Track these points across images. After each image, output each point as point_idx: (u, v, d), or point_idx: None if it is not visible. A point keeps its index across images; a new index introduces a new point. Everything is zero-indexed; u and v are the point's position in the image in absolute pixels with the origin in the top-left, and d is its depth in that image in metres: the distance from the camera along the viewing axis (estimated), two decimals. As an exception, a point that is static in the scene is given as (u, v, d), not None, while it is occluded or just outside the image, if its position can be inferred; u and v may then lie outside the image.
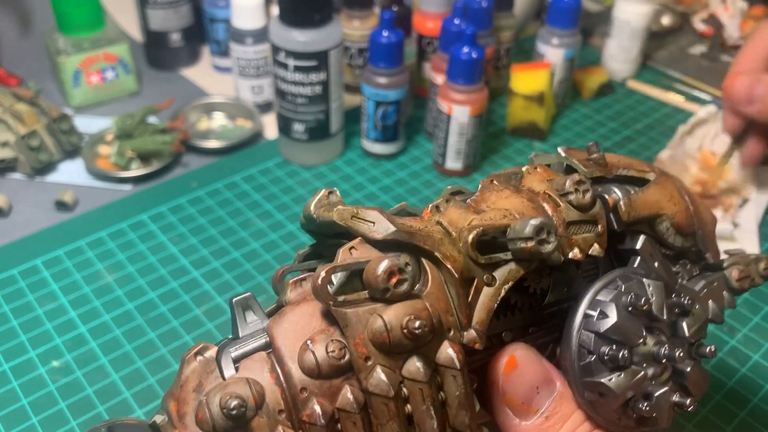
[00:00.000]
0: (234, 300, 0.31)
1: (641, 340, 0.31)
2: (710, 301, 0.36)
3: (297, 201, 0.70)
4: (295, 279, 0.31)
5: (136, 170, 0.72)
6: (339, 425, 0.28)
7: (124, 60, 0.83)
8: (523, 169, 0.34)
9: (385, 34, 0.69)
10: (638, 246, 0.34)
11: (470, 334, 0.29)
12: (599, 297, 0.32)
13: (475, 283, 0.29)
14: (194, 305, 0.59)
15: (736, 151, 0.69)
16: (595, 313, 0.31)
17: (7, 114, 0.70)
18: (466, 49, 0.67)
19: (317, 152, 0.75)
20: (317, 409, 0.28)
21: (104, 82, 0.83)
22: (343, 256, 0.29)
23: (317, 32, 0.67)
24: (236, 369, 0.29)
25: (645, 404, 0.31)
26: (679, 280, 0.36)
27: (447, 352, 0.28)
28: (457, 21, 0.73)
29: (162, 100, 0.82)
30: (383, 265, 0.27)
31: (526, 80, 0.78)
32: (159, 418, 0.31)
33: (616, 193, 0.35)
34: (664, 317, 0.32)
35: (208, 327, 0.57)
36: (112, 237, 0.65)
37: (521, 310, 0.33)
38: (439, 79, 0.74)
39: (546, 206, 0.32)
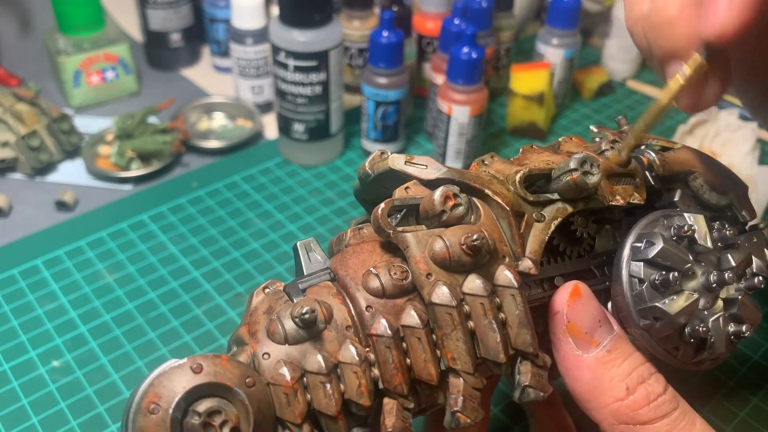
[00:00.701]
0: (298, 243, 0.32)
1: (689, 266, 0.32)
2: (752, 256, 0.36)
3: (297, 201, 0.71)
4: (354, 227, 0.33)
5: (136, 170, 0.72)
6: (404, 342, 0.29)
7: (124, 60, 0.83)
8: (560, 139, 0.36)
9: (385, 34, 0.69)
10: (676, 198, 0.36)
11: (525, 262, 0.30)
12: (644, 231, 0.33)
13: (525, 218, 0.31)
14: (194, 305, 0.59)
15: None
16: (641, 245, 0.32)
17: (7, 114, 0.70)
18: (466, 50, 0.67)
19: (317, 152, 0.75)
20: (383, 322, 0.29)
21: (104, 82, 0.83)
22: (399, 194, 0.30)
23: (317, 32, 0.67)
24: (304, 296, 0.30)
25: (701, 326, 0.32)
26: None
27: (504, 273, 0.30)
28: (457, 21, 0.73)
29: (162, 100, 0.82)
30: (439, 191, 0.29)
31: (526, 80, 0.78)
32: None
33: (650, 153, 0.37)
34: (710, 245, 0.33)
35: (209, 327, 0.57)
36: (112, 237, 0.65)
37: (571, 257, 0.34)
38: (439, 79, 0.74)
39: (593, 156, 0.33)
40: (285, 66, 0.68)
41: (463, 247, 0.29)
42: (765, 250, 0.37)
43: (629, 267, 0.32)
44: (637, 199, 0.34)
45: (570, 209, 0.32)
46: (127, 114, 0.75)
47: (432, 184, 0.31)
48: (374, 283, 0.29)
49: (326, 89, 0.70)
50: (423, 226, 0.30)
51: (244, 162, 0.75)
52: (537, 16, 1.00)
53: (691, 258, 0.32)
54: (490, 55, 0.79)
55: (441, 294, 0.28)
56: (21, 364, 0.53)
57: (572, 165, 0.31)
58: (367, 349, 0.29)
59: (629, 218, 0.36)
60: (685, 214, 0.34)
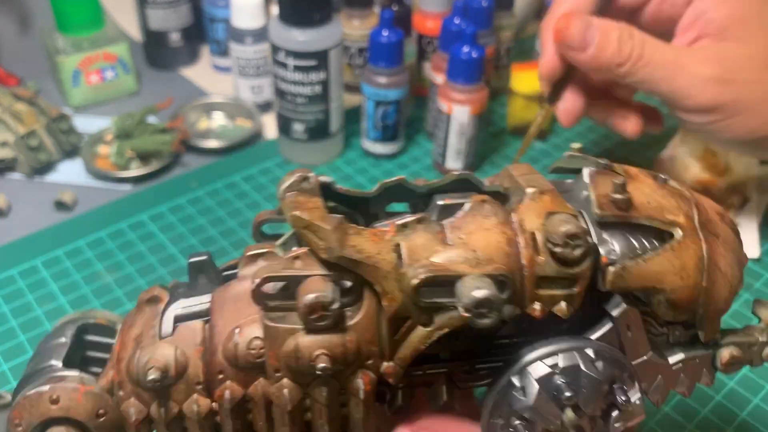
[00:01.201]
0: (191, 261, 0.32)
1: (558, 422, 0.29)
2: (682, 375, 0.33)
3: (297, 201, 0.70)
4: (252, 253, 0.32)
5: (135, 170, 0.72)
6: (248, 409, 0.31)
7: (123, 60, 0.83)
8: (529, 191, 0.30)
9: (385, 33, 0.69)
10: (615, 313, 0.30)
11: (388, 366, 0.30)
12: (530, 369, 0.29)
13: (408, 323, 0.29)
14: (194, 305, 0.59)
15: (552, 107, 0.61)
16: (518, 384, 0.30)
17: (6, 114, 0.70)
18: (466, 49, 0.67)
19: (317, 152, 0.75)
20: (227, 393, 0.30)
21: (104, 81, 0.83)
22: (286, 263, 0.29)
23: (317, 32, 0.66)
24: (174, 329, 0.31)
25: None
26: (650, 352, 0.32)
27: (357, 381, 0.30)
28: (457, 20, 0.73)
29: (161, 99, 0.82)
30: (309, 299, 0.27)
31: (527, 80, 0.78)
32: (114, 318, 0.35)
33: (616, 250, 0.30)
34: (589, 411, 0.29)
35: (208, 327, 0.57)
36: (111, 237, 0.65)
37: (468, 337, 0.32)
38: (439, 78, 0.74)
39: (522, 253, 0.28)
40: (285, 65, 0.68)
41: (311, 363, 0.28)
42: (704, 371, 0.33)
43: (496, 398, 0.30)
44: (561, 311, 0.29)
45: (463, 323, 0.28)
46: (126, 114, 0.74)
47: (325, 261, 0.29)
48: (230, 348, 0.30)
49: (326, 89, 0.70)
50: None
51: (243, 162, 0.75)
52: (537, 15, 1.00)
53: (561, 416, 0.29)
54: (491, 54, 0.79)
55: (281, 395, 0.30)
56: (20, 365, 0.53)
57: (466, 303, 0.26)
58: (214, 404, 0.31)
59: (539, 329, 0.31)
60: (585, 369, 0.29)
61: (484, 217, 0.29)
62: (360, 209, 0.34)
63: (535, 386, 0.29)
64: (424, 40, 0.81)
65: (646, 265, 0.29)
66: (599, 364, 0.29)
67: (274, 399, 0.30)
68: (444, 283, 0.27)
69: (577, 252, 0.28)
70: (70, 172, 0.73)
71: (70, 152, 0.75)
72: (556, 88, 0.60)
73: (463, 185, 0.33)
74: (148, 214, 0.68)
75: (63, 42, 0.80)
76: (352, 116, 0.80)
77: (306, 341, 0.28)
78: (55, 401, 0.31)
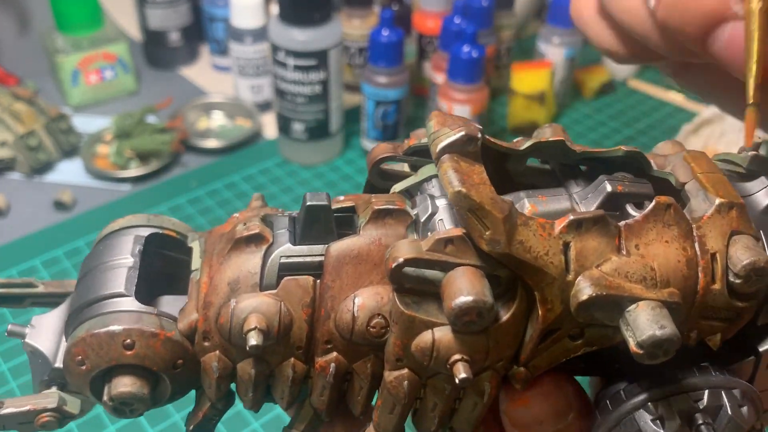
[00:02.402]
0: (309, 204, 0.27)
1: None
2: None
3: (297, 201, 0.70)
4: (379, 208, 0.27)
5: (134, 170, 0.72)
6: (347, 380, 0.28)
7: (123, 59, 0.83)
8: (717, 202, 0.26)
9: (385, 33, 0.69)
10: (762, 349, 0.28)
11: (520, 372, 0.27)
12: (672, 399, 0.26)
13: (558, 334, 0.26)
14: (193, 306, 0.58)
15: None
16: (654, 411, 0.26)
17: (5, 113, 0.70)
18: (466, 48, 0.67)
19: (317, 152, 0.75)
20: (332, 366, 0.27)
21: (103, 81, 0.83)
22: (434, 244, 0.24)
23: (317, 31, 0.66)
24: (279, 281, 0.27)
25: None
26: None
27: (484, 383, 0.27)
28: (457, 20, 0.73)
29: (161, 99, 0.82)
30: (464, 302, 0.23)
31: (527, 79, 0.78)
32: (195, 246, 0.30)
33: None
34: None
35: (208, 328, 0.57)
36: (110, 237, 0.65)
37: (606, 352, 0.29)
38: (440, 78, 0.74)
39: (699, 277, 0.25)
40: (284, 65, 0.68)
41: (447, 366, 0.25)
42: None
43: (611, 428, 0.27)
44: (713, 343, 0.26)
45: (617, 340, 0.25)
46: (125, 113, 0.74)
47: (483, 252, 0.24)
48: (346, 320, 0.26)
49: (326, 88, 0.70)
50: (437, 306, 0.25)
51: (243, 161, 0.75)
52: (538, 15, 1.00)
53: None
54: (491, 54, 0.79)
55: (398, 384, 0.26)
56: (20, 365, 0.53)
57: (640, 339, 0.23)
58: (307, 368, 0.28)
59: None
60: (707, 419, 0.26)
61: (665, 225, 0.26)
62: (495, 161, 0.29)
63: (677, 420, 0.26)
64: (425, 40, 0.81)
65: None
66: (744, 410, 0.27)
67: (390, 388, 0.26)
68: (613, 301, 0.24)
69: (755, 287, 0.25)
70: (69, 172, 0.73)
71: (70, 152, 0.74)
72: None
73: (625, 163, 0.28)
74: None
75: (62, 41, 0.80)
76: (352, 116, 0.80)
77: (446, 341, 0.25)
78: (129, 346, 0.26)
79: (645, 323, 0.24)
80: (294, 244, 0.27)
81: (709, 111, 0.71)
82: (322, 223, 0.27)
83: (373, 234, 0.27)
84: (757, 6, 0.25)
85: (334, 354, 0.27)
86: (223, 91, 0.86)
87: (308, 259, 0.27)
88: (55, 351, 0.29)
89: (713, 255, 0.25)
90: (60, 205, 0.68)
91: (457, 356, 0.25)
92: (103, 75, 0.82)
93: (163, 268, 0.30)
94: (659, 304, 0.24)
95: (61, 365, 0.27)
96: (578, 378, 0.30)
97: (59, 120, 0.72)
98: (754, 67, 0.26)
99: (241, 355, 0.27)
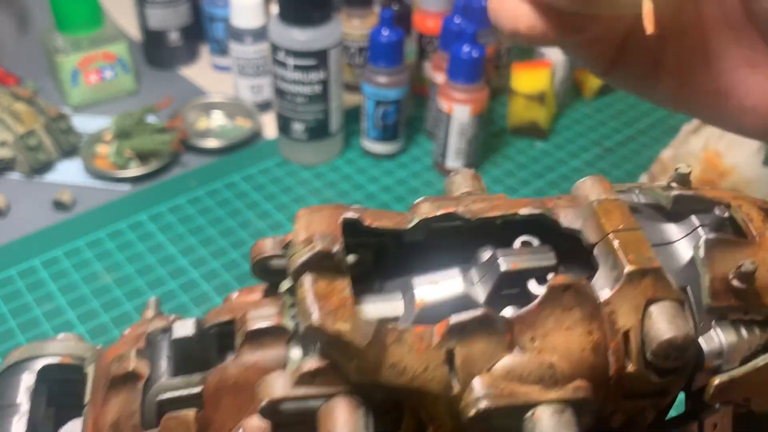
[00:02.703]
0: (175, 338, 0.26)
1: None
2: None
3: (297, 201, 0.70)
4: (254, 329, 0.25)
5: (134, 170, 0.72)
6: None
7: (122, 59, 0.83)
8: (627, 270, 0.23)
9: (385, 32, 0.69)
10: (704, 416, 0.25)
11: None
12: None
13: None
14: (193, 306, 0.58)
15: None
16: None
17: (5, 113, 0.70)
18: (466, 48, 0.67)
19: (317, 152, 0.75)
20: None
21: (103, 81, 0.82)
22: (301, 378, 0.23)
23: (317, 31, 0.66)
24: (158, 419, 0.25)
25: None
26: None
27: None
28: (457, 19, 0.73)
29: (161, 99, 0.82)
30: None
31: (527, 79, 0.77)
32: (89, 372, 0.28)
33: (723, 349, 0.24)
34: None
35: (207, 328, 0.56)
36: (110, 237, 0.65)
37: None
38: (440, 78, 0.73)
39: (611, 361, 0.23)
40: (284, 65, 0.68)
41: None
42: None
43: None
44: (643, 422, 0.25)
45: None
46: (125, 113, 0.74)
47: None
48: None
49: (326, 88, 0.70)
50: None
51: (243, 161, 0.75)
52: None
53: None
54: (491, 53, 0.78)
55: None
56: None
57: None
58: None
59: None
60: None
61: (564, 310, 0.23)
62: (392, 239, 0.27)
63: None
64: (425, 40, 0.81)
65: (757, 375, 0.24)
66: None
67: None
68: (508, 410, 0.22)
69: (678, 363, 0.23)
70: (69, 172, 0.73)
71: (69, 152, 0.74)
72: None
73: (529, 223, 0.26)
74: (147, 214, 0.68)
75: (62, 41, 0.80)
76: (352, 116, 0.80)
77: None
78: None
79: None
80: (172, 375, 0.26)
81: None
82: (196, 353, 0.25)
83: (250, 359, 0.25)
84: None
85: None
86: (222, 91, 0.86)
87: (186, 392, 0.25)
88: None
89: (626, 334, 0.23)
90: (60, 205, 0.68)
91: None
92: (103, 75, 0.82)
93: (64, 396, 0.29)
94: (560, 406, 0.21)
95: None
96: None
97: (59, 120, 0.72)
98: None
99: None
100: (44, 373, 0.29)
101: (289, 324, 0.25)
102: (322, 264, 0.23)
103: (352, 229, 0.25)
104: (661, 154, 0.73)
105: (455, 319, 0.22)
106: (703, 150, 0.70)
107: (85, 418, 0.27)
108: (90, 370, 0.28)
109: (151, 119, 0.78)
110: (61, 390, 0.30)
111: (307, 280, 0.23)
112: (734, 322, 0.24)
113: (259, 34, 0.78)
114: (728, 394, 0.23)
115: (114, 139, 0.74)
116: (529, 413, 0.21)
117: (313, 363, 0.22)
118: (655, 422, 0.25)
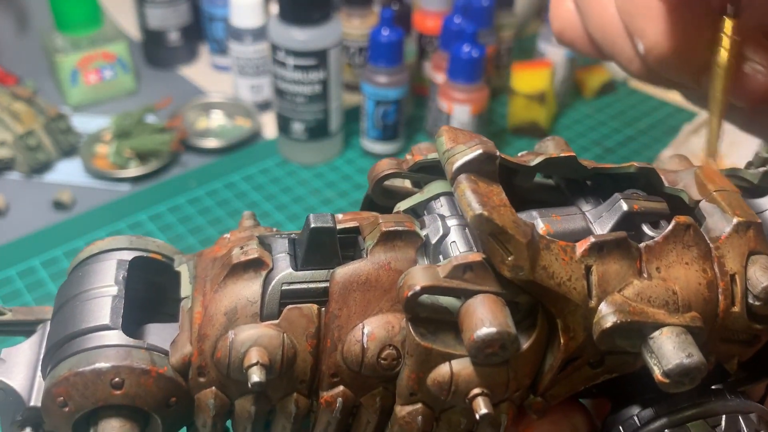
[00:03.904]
0: (314, 226, 0.25)
1: None
2: None
3: (296, 201, 0.70)
4: (388, 230, 0.25)
5: (134, 170, 0.72)
6: (353, 414, 0.26)
7: (122, 59, 0.82)
8: (734, 221, 0.25)
9: (385, 32, 0.69)
10: None
11: (537, 402, 0.26)
12: (691, 425, 0.26)
13: (578, 362, 0.25)
14: (193, 306, 0.58)
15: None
16: None
17: (4, 113, 0.70)
18: (466, 48, 0.67)
19: (317, 151, 0.75)
20: (340, 401, 0.25)
21: (102, 80, 0.82)
22: (452, 270, 0.23)
23: (317, 30, 0.66)
24: (280, 310, 0.25)
25: None
26: None
27: (501, 415, 0.25)
28: (457, 19, 0.73)
29: (160, 99, 0.82)
30: (484, 334, 0.22)
31: (528, 79, 0.77)
32: (183, 270, 0.27)
33: None
34: None
35: (207, 328, 0.56)
36: (110, 237, 0.65)
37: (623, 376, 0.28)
38: (440, 77, 0.73)
39: (720, 300, 0.25)
40: (284, 65, 0.68)
41: (467, 400, 0.24)
42: None
43: None
44: (730, 366, 0.26)
45: (634, 367, 0.25)
46: (125, 113, 0.74)
47: (505, 279, 0.23)
48: (355, 352, 0.25)
49: (326, 88, 0.69)
50: (455, 338, 0.24)
51: (242, 161, 0.75)
52: (538, 15, 1.00)
53: None
54: (491, 53, 0.78)
55: (411, 421, 0.25)
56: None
57: (666, 369, 0.23)
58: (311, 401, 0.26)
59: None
60: None
61: (685, 246, 0.25)
62: (502, 177, 0.27)
63: None
64: (425, 39, 0.81)
65: None
66: None
67: (403, 423, 0.25)
68: (636, 328, 0.23)
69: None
70: (68, 172, 0.73)
71: (69, 152, 0.74)
72: None
73: (633, 178, 0.28)
74: (147, 214, 0.67)
75: (61, 41, 0.80)
76: (352, 115, 0.80)
77: (466, 374, 0.23)
78: (118, 385, 0.24)
79: (671, 351, 0.23)
80: (296, 269, 0.25)
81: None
82: (326, 247, 0.25)
83: (382, 258, 0.25)
84: (722, 70, 0.26)
85: (341, 388, 0.25)
86: (222, 90, 0.86)
87: (312, 285, 0.25)
88: (29, 388, 0.26)
89: (732, 276, 0.25)
90: (59, 205, 0.68)
91: (477, 390, 0.24)
92: (103, 75, 0.82)
93: (148, 295, 0.28)
94: (683, 330, 0.23)
95: (37, 404, 0.25)
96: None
97: (58, 120, 0.72)
98: (715, 123, 0.27)
99: (240, 391, 0.25)
100: (135, 264, 0.27)
101: (420, 233, 0.26)
102: (483, 166, 0.24)
103: None
104: (661, 154, 0.72)
105: (596, 238, 0.24)
106: (703, 150, 0.70)
107: (192, 306, 0.26)
108: (184, 269, 0.28)
109: (151, 119, 0.78)
110: (147, 291, 0.28)
111: (469, 177, 0.24)
112: None
113: (259, 33, 0.78)
114: None
115: (113, 139, 0.74)
116: (657, 332, 0.23)
117: (469, 256, 0.23)
118: (728, 376, 0.27)
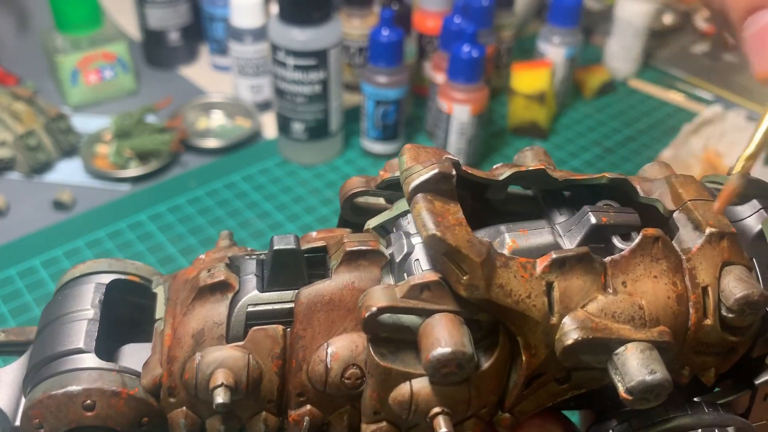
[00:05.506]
0: (276, 249, 0.25)
1: None
2: None
3: (296, 201, 0.70)
4: (352, 250, 0.26)
5: (134, 170, 0.72)
6: (324, 430, 0.27)
7: (122, 59, 0.82)
8: (708, 232, 0.25)
9: (385, 32, 0.69)
10: (759, 382, 0.26)
11: (505, 418, 0.26)
12: None
13: (543, 378, 0.25)
14: (193, 306, 0.58)
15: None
16: None
17: (4, 113, 0.70)
18: (466, 48, 0.67)
19: (317, 152, 0.75)
20: (306, 420, 0.26)
21: (102, 81, 0.82)
22: (410, 290, 0.23)
23: (317, 31, 0.66)
24: (246, 331, 0.25)
25: None
26: None
27: (466, 431, 0.26)
28: (457, 19, 0.73)
29: (160, 99, 0.82)
30: (442, 354, 0.22)
31: (527, 79, 0.77)
32: (159, 292, 0.28)
33: None
34: None
35: (207, 328, 0.56)
36: (110, 237, 0.65)
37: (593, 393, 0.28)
38: (440, 77, 0.73)
39: (690, 313, 0.24)
40: (284, 65, 0.68)
41: (428, 419, 0.24)
42: None
43: None
44: (707, 378, 0.25)
45: (602, 382, 0.24)
46: (125, 113, 0.74)
47: (463, 299, 0.23)
48: (319, 371, 0.25)
49: (326, 88, 0.69)
50: (414, 357, 0.24)
51: (243, 161, 0.75)
52: (538, 15, 1.00)
53: None
54: (491, 53, 0.78)
55: None
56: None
57: (630, 385, 0.23)
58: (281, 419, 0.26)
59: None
60: None
61: (653, 259, 0.24)
62: (473, 191, 0.28)
63: None
64: (425, 39, 0.81)
65: None
66: None
67: None
68: (600, 344, 0.23)
69: (749, 320, 0.24)
70: (68, 172, 0.73)
71: (69, 152, 0.74)
72: None
73: (611, 187, 0.27)
74: (147, 214, 0.68)
75: (62, 41, 0.80)
76: (352, 116, 0.80)
77: (425, 393, 0.24)
78: (89, 407, 0.25)
79: (634, 368, 0.23)
80: (261, 290, 0.26)
81: (709, 111, 0.71)
82: (291, 268, 0.26)
83: (346, 278, 0.26)
84: None
85: (308, 407, 0.26)
86: (222, 90, 0.86)
87: (277, 306, 0.26)
88: (15, 408, 0.27)
89: (704, 288, 0.24)
90: (59, 205, 0.68)
91: (437, 409, 0.24)
92: (103, 75, 0.82)
93: (126, 315, 0.29)
94: (649, 345, 0.23)
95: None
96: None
97: (58, 120, 0.72)
98: (752, 147, 0.26)
99: (210, 410, 0.26)
100: (113, 288, 0.28)
101: (385, 252, 0.26)
102: (439, 186, 0.24)
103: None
104: (661, 154, 0.73)
105: (557, 254, 0.23)
106: (704, 150, 0.70)
107: (162, 328, 0.26)
108: (160, 290, 0.28)
109: (151, 119, 0.78)
110: (125, 312, 0.29)
111: (425, 197, 0.24)
112: None
113: (259, 33, 0.78)
114: None
115: (114, 138, 0.74)
116: (621, 348, 0.23)
117: (425, 276, 0.23)
118: (711, 388, 0.27)
